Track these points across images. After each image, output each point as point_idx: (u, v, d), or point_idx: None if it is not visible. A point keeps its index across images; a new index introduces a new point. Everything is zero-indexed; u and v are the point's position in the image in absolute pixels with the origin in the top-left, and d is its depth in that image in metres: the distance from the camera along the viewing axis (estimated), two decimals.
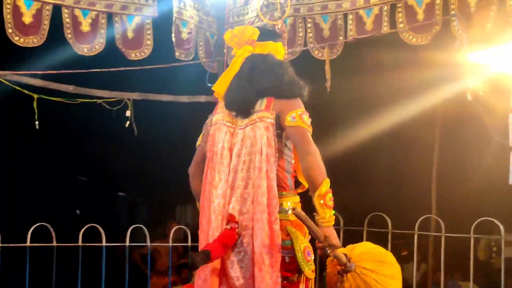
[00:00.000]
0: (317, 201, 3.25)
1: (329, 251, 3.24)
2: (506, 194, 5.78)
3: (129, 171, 10.18)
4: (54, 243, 5.69)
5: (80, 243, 5.78)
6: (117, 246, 6.27)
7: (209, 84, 6.17)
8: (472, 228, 5.37)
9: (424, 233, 6.20)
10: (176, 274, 7.92)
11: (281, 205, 3.46)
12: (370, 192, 9.47)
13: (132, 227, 6.00)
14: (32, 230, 5.57)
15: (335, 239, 3.24)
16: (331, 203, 3.25)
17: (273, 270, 3.30)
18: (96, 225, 5.83)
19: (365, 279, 3.45)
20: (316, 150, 3.35)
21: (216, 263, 3.45)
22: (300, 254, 3.34)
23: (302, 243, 3.35)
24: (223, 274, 3.48)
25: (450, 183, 8.60)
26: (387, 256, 3.68)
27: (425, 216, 5.91)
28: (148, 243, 6.12)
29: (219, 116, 3.64)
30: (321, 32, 5.86)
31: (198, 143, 3.76)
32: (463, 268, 7.74)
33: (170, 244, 6.10)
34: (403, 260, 9.67)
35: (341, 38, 5.76)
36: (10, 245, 5.57)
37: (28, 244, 5.57)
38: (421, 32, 5.34)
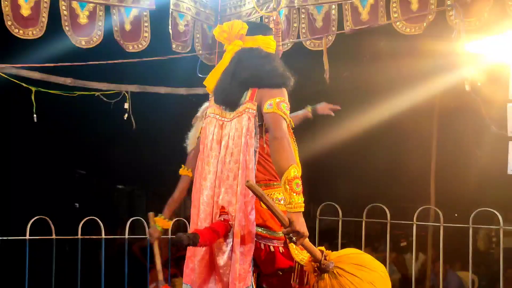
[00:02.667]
0: (283, 187, 3.17)
1: (294, 238, 3.16)
2: (504, 184, 5.79)
3: (127, 163, 10.17)
4: (54, 236, 5.70)
5: (79, 236, 5.78)
6: (116, 239, 6.28)
7: (200, 75, 6.18)
8: (471, 218, 5.38)
9: (423, 223, 6.20)
10: (175, 266, 7.91)
11: (272, 195, 3.46)
12: (369, 183, 9.47)
13: (131, 219, 6.01)
14: (31, 223, 5.57)
15: (302, 227, 3.13)
16: (298, 188, 3.17)
17: (245, 259, 3.33)
18: (95, 218, 5.84)
19: (341, 280, 3.35)
20: (285, 135, 3.28)
21: (204, 253, 3.48)
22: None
23: None
24: (212, 265, 3.50)
25: (448, 174, 8.59)
26: (372, 262, 3.53)
27: (423, 206, 5.92)
28: (147, 236, 6.12)
29: (211, 110, 3.68)
30: (314, 23, 5.86)
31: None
32: (462, 258, 7.76)
33: (170, 236, 6.10)
34: (402, 251, 9.71)
35: (333, 29, 5.76)
36: (10, 238, 5.58)
37: (27, 237, 5.57)
38: (415, 22, 5.34)
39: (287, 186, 3.15)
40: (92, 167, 11.04)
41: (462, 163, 8.80)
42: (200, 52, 6.45)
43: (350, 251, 3.58)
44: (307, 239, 3.24)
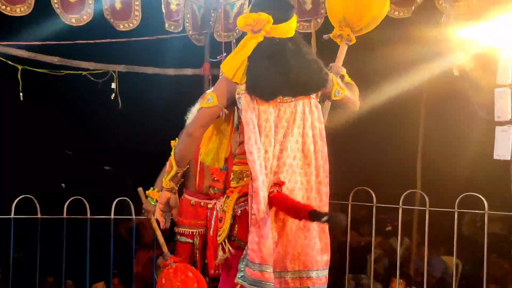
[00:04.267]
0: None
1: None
2: (491, 169, 5.81)
3: (115, 144, 10.14)
4: (39, 215, 5.68)
5: (64, 216, 5.76)
6: (102, 219, 6.26)
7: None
8: (456, 202, 5.40)
9: (408, 207, 6.22)
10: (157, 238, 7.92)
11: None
12: (356, 167, 9.48)
13: (116, 200, 5.99)
14: (17, 202, 5.55)
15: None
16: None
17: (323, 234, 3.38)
18: (81, 198, 5.81)
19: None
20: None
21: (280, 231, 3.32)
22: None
23: None
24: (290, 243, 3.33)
25: (435, 158, 8.61)
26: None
27: (409, 190, 5.94)
28: (133, 216, 6.11)
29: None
30: (304, 5, 5.84)
31: (211, 103, 3.35)
32: (447, 243, 7.80)
33: (155, 217, 6.08)
34: (388, 235, 9.75)
35: (323, 11, 5.75)
36: None
37: (12, 216, 5.55)
38: (403, 6, 5.34)
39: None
40: (79, 147, 11.00)
41: (449, 148, 8.81)
42: (191, 32, 6.42)
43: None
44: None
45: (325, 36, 5.47)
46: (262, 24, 3.27)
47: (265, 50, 3.29)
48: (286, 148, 3.23)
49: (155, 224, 5.18)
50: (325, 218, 2.98)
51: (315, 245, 3.28)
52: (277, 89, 3.25)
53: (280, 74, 3.25)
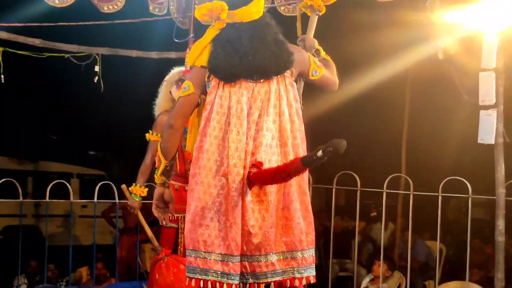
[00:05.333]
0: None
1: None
2: (475, 154, 5.82)
3: (98, 128, 10.11)
4: (21, 199, 5.63)
5: (47, 199, 5.72)
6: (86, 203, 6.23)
7: (176, 40, 6.09)
8: (440, 187, 5.41)
9: (392, 191, 6.23)
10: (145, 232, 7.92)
11: None
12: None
13: (100, 184, 5.96)
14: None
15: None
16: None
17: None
18: (64, 181, 5.78)
19: None
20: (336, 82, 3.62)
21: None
22: None
23: None
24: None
25: (420, 142, 8.65)
26: None
27: (394, 174, 5.94)
28: (116, 200, 6.09)
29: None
30: None
31: (188, 91, 3.32)
32: (431, 228, 7.84)
33: (139, 201, 6.07)
34: (372, 221, 9.80)
35: None
36: None
37: None
38: None
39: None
40: (62, 131, 10.95)
41: (433, 132, 8.85)
42: (175, 15, 6.36)
43: None
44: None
45: (293, 5, 5.45)
46: (217, 12, 3.26)
47: (224, 35, 3.27)
48: (262, 128, 3.19)
49: (142, 220, 5.20)
50: (320, 153, 2.79)
51: (299, 225, 3.25)
52: (236, 71, 3.22)
53: (238, 57, 3.22)
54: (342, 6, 5.96)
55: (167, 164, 3.43)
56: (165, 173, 3.48)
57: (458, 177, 5.32)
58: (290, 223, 3.24)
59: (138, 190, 5.04)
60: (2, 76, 5.87)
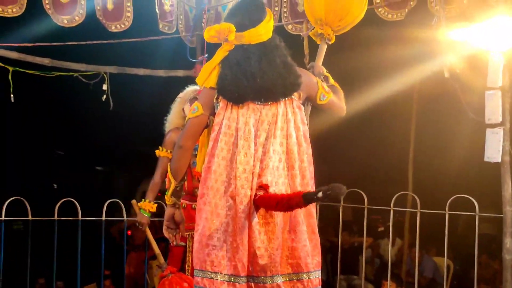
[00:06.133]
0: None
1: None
2: (481, 171, 5.82)
3: (106, 145, 10.14)
4: (30, 217, 5.66)
5: (56, 217, 5.75)
6: (94, 221, 6.25)
7: (191, 59, 6.15)
8: (447, 204, 5.42)
9: (399, 209, 6.24)
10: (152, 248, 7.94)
11: None
12: (347, 168, 9.49)
13: (108, 201, 5.98)
14: (8, 204, 5.53)
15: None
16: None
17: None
18: (72, 200, 5.80)
19: None
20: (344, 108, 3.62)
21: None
22: None
23: None
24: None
25: (426, 160, 8.64)
26: None
27: (401, 192, 5.95)
28: (125, 218, 6.11)
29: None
30: (296, 6, 5.85)
31: (197, 112, 3.37)
32: (438, 244, 7.83)
33: (148, 217, 6.09)
34: (379, 236, 9.78)
35: None
36: None
37: (3, 218, 5.53)
38: (397, 8, 5.36)
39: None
40: (71, 148, 10.99)
41: (440, 150, 8.85)
42: (183, 33, 6.41)
43: None
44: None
45: (303, 34, 5.49)
46: (225, 34, 3.28)
47: (233, 57, 3.30)
48: (269, 150, 3.22)
49: (150, 236, 5.26)
50: (320, 194, 2.84)
51: (305, 247, 3.26)
52: (244, 93, 3.26)
53: (246, 79, 3.25)
54: None
55: (177, 185, 3.46)
56: (175, 194, 3.50)
57: (465, 195, 5.32)
58: (296, 245, 3.26)
59: (147, 206, 5.09)
60: (12, 95, 5.92)
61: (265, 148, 3.23)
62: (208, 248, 3.21)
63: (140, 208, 5.10)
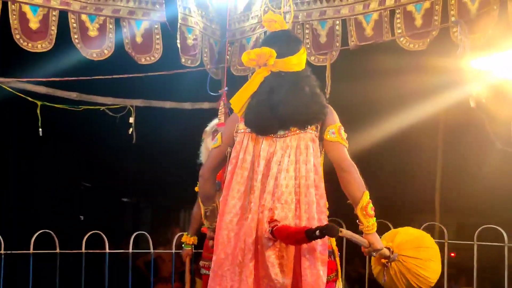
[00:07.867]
0: (360, 213, 3.33)
1: (374, 253, 3.43)
2: (509, 201, 5.76)
3: (132, 177, 10.17)
4: (57, 250, 5.70)
5: (83, 250, 5.78)
6: (120, 253, 6.28)
7: (210, 93, 6.20)
8: (475, 235, 5.37)
9: None
10: (179, 280, 7.91)
11: None
12: (372, 199, 9.41)
13: (135, 234, 6.01)
14: (36, 237, 5.57)
15: (379, 244, 3.39)
16: (372, 212, 3.35)
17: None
18: (99, 232, 5.83)
19: (407, 265, 3.62)
20: (352, 166, 3.35)
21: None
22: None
23: None
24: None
25: (453, 190, 8.57)
26: (424, 239, 3.83)
27: (428, 223, 5.90)
28: (151, 250, 6.13)
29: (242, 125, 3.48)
30: (318, 38, 5.89)
31: (217, 143, 3.51)
32: (467, 274, 7.74)
33: (173, 250, 6.10)
34: None
35: (338, 44, 5.79)
36: (14, 251, 5.58)
37: (31, 251, 5.56)
38: (418, 38, 5.36)
39: (364, 212, 3.32)
40: (98, 180, 11.05)
41: (467, 180, 8.77)
42: (209, 66, 6.46)
43: (405, 233, 3.80)
44: None
45: (352, 46, 5.53)
46: (265, 58, 3.33)
47: (268, 84, 3.36)
48: (281, 184, 3.26)
49: (188, 267, 5.56)
50: (317, 232, 3.02)
51: (319, 276, 3.25)
52: (268, 124, 3.32)
53: (270, 110, 3.30)
54: (374, 52, 6.05)
55: (206, 210, 3.65)
56: (207, 218, 3.68)
57: (493, 225, 5.27)
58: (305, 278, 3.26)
59: (186, 239, 5.46)
60: (40, 129, 6.00)
61: (276, 181, 3.27)
62: (219, 278, 3.31)
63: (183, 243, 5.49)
